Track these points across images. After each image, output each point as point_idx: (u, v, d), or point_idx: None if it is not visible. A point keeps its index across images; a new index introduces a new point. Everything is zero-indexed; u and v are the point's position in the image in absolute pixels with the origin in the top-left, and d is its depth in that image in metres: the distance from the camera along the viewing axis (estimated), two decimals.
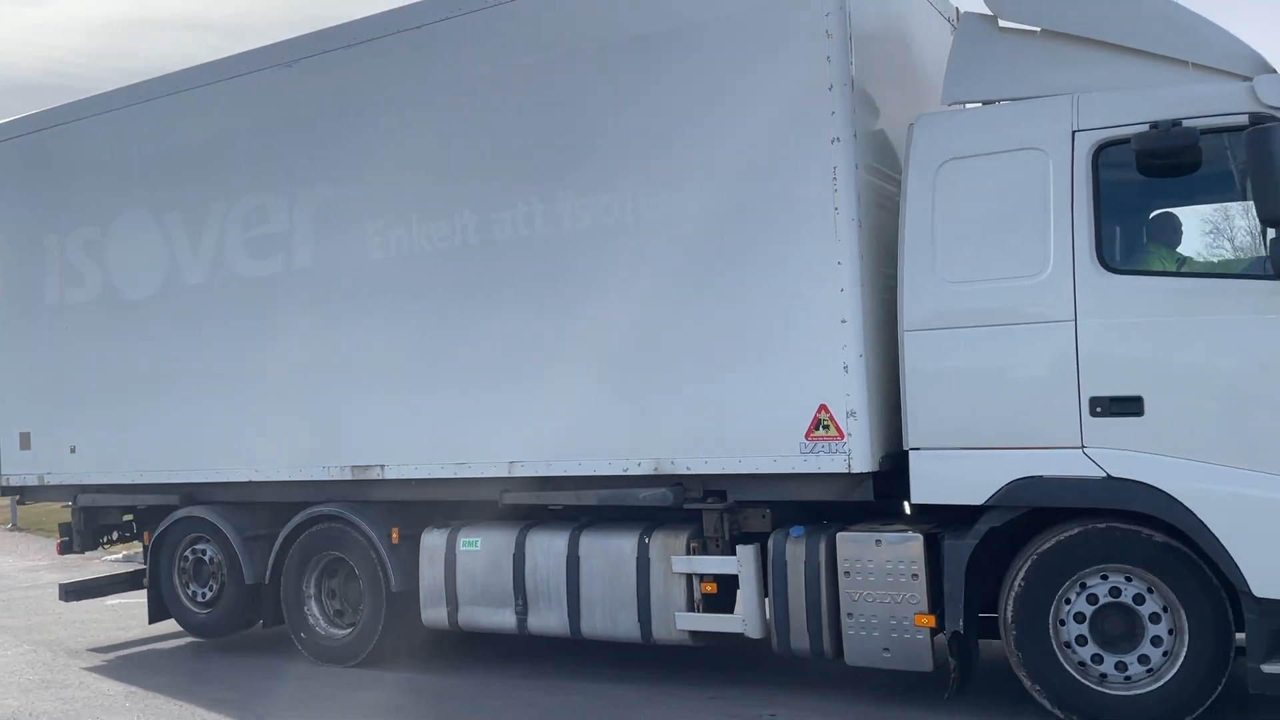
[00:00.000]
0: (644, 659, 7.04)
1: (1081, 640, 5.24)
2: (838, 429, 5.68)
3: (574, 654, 7.25)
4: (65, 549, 9.33)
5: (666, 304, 6.24)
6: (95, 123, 8.70)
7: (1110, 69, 5.39)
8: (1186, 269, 5.27)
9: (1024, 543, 5.39)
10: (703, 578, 6.22)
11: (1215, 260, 5.10)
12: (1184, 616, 5.06)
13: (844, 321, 5.67)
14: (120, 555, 12.87)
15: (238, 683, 7.34)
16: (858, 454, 5.64)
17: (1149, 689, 5.12)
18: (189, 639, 8.59)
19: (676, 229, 6.21)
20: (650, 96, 6.30)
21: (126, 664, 8.10)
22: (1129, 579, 5.17)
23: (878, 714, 5.88)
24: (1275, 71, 5.26)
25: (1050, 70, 5.52)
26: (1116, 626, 5.18)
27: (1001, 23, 5.68)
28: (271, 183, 7.73)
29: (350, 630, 7.57)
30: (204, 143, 8.10)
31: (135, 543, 9.80)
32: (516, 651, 7.55)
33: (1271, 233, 4.84)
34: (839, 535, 5.78)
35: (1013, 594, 5.32)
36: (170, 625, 8.67)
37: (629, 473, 6.33)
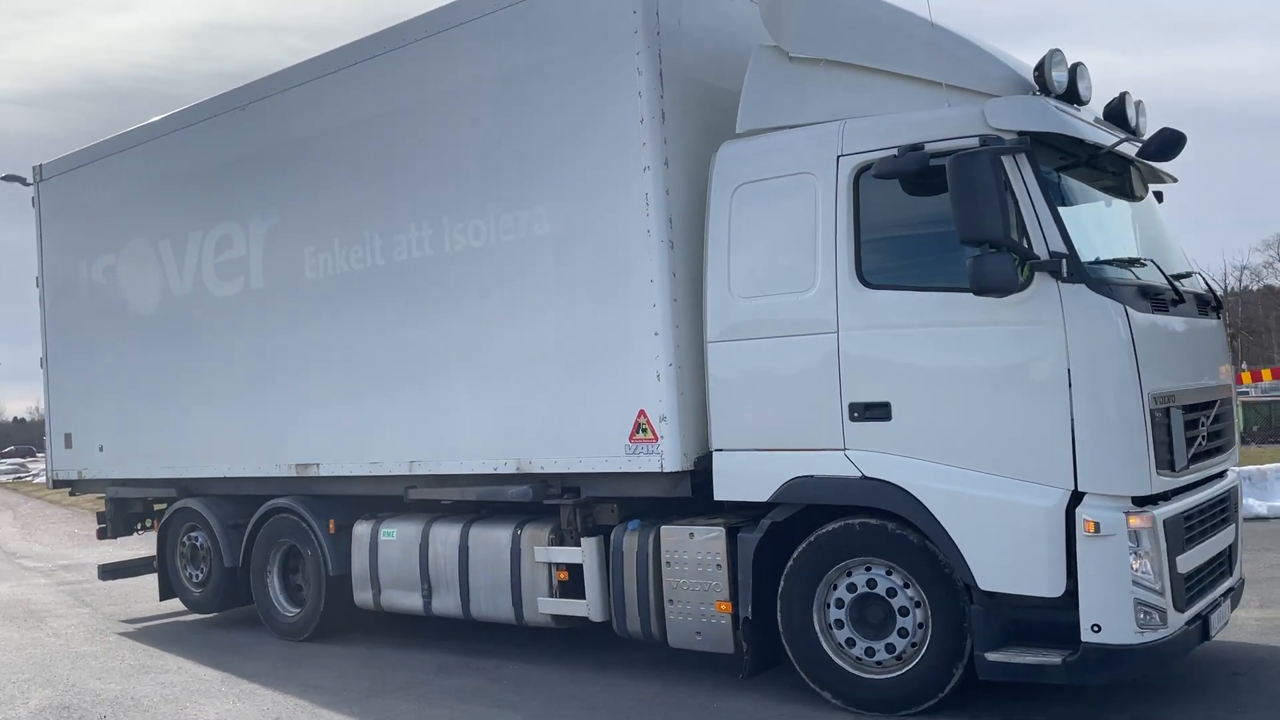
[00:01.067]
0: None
1: (839, 624, 5.69)
2: (653, 432, 6.24)
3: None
4: (102, 535, 10.73)
5: (521, 319, 6.93)
6: (108, 162, 10.11)
7: (882, 95, 5.72)
8: (926, 285, 5.55)
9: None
10: (558, 566, 6.88)
11: (950, 277, 5.35)
12: (928, 608, 5.44)
13: (656, 334, 6.20)
14: None
15: (327, 667, 7.60)
16: (669, 455, 6.19)
17: (895, 674, 5.54)
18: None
19: (529, 251, 6.89)
20: (507, 132, 7.00)
21: (222, 651, 8.36)
22: (889, 572, 5.56)
23: None
24: (1029, 91, 5.49)
25: (829, 98, 5.89)
26: (873, 615, 5.61)
27: (790, 53, 6.07)
28: (234, 212, 8.82)
29: (300, 610, 8.57)
30: (186, 178, 9.31)
31: None
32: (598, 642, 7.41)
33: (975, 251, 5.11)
34: (662, 529, 6.32)
35: (785, 581, 5.81)
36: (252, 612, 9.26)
37: (498, 471, 7.05)
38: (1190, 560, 5.39)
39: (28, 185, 11.74)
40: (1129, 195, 6.27)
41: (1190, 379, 5.66)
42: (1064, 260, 5.08)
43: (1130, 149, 5.73)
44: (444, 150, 7.38)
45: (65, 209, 10.70)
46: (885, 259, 5.59)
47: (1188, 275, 6.30)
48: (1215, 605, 5.67)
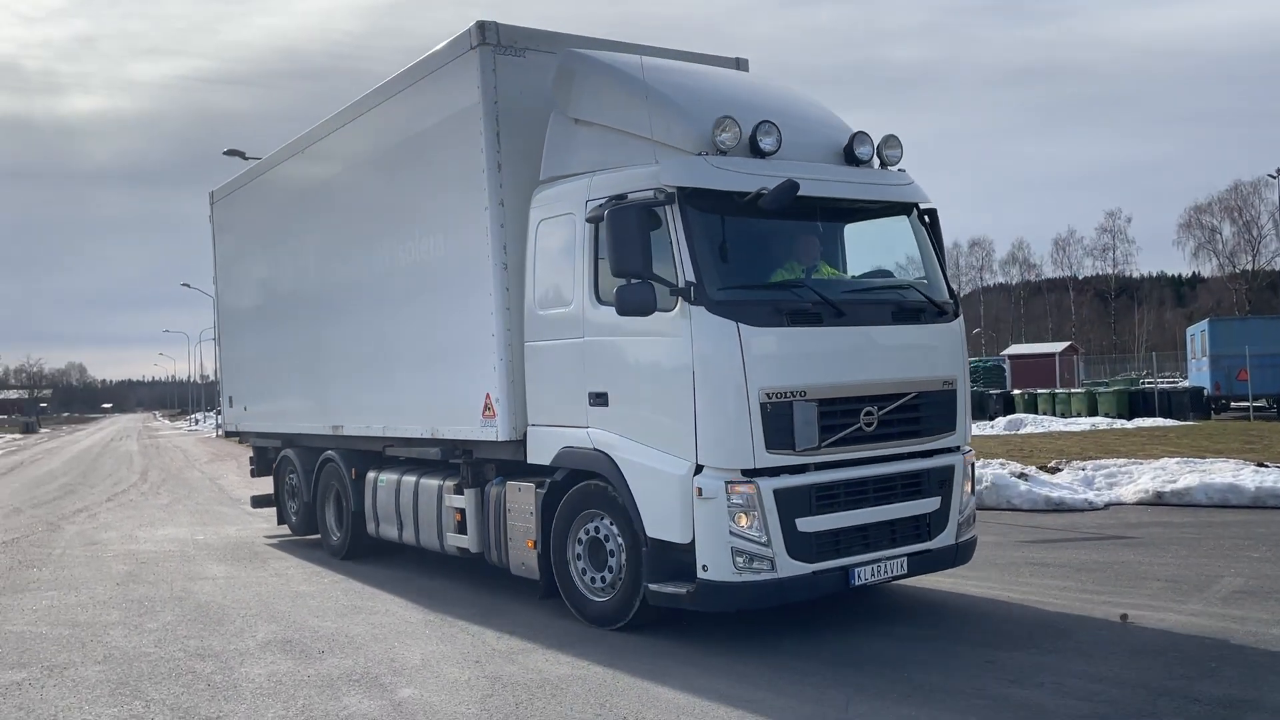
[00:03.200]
0: (917, 611, 7.61)
1: (579, 558, 7.58)
2: (493, 410, 8.25)
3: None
4: (254, 474, 14.17)
5: (427, 323, 9.27)
6: (243, 190, 13.83)
7: (628, 150, 7.20)
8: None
9: None
10: (455, 509, 9.02)
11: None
12: (624, 550, 7.17)
13: (492, 335, 8.18)
14: None
15: (516, 616, 7.95)
16: (502, 428, 8.17)
17: (607, 598, 7.42)
18: (506, 580, 8.65)
19: (427, 271, 9.17)
20: (410, 183, 9.42)
21: (425, 596, 8.92)
22: (609, 522, 7.33)
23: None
24: (711, 149, 6.91)
25: (595, 153, 7.50)
26: (598, 553, 7.46)
27: (571, 117, 7.76)
28: (301, 230, 11.88)
29: (340, 535, 11.32)
30: (280, 203, 12.59)
31: None
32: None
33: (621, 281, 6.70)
34: (507, 484, 8.33)
35: (554, 525, 7.72)
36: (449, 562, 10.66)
37: (422, 436, 9.35)
38: (821, 523, 6.73)
39: (246, 160, 16.27)
40: (846, 219, 7.68)
41: (836, 377, 6.85)
42: (692, 288, 6.56)
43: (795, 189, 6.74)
44: (374, 196, 10.13)
45: (224, 225, 14.56)
46: (609, 280, 7.13)
47: (904, 287, 7.61)
48: (880, 560, 6.98)
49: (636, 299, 6.59)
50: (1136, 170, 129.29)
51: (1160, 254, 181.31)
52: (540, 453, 7.89)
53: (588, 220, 7.17)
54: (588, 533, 7.49)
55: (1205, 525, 11.20)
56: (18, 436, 76.10)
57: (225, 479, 23.36)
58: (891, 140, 7.71)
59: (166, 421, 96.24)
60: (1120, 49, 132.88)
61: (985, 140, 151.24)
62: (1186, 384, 34.79)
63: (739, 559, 6.47)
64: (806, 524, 6.66)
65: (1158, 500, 12.83)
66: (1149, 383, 38.75)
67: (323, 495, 11.69)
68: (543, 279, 7.80)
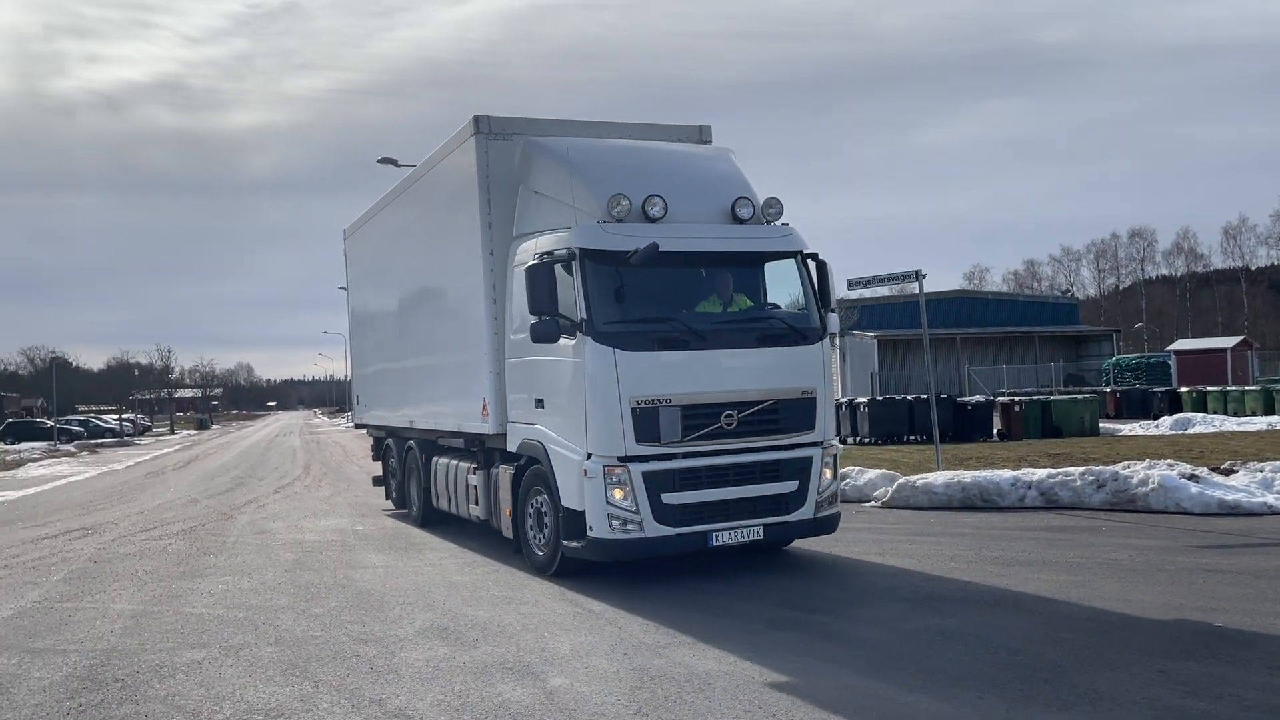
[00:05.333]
0: (1077, 616, 7.29)
1: (531, 522, 9.92)
2: (487, 411, 10.57)
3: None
4: (373, 459, 16.91)
5: (456, 344, 11.63)
6: (363, 228, 16.40)
7: (566, 216, 9.27)
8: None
9: None
10: (473, 486, 11.39)
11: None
12: (553, 516, 9.35)
13: (485, 355, 10.54)
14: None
15: (658, 608, 8.07)
16: (492, 424, 10.49)
17: (544, 553, 9.73)
18: (648, 575, 9.35)
19: (452, 305, 11.73)
20: (441, 235, 11.97)
21: (574, 587, 9.07)
22: (548, 496, 9.41)
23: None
24: (611, 219, 8.90)
25: (548, 217, 9.60)
26: (541, 518, 9.73)
27: (532, 189, 9.98)
28: (394, 263, 14.53)
29: (417, 507, 14.10)
30: (379, 244, 15.39)
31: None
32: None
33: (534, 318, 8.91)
34: (500, 467, 10.65)
35: (519, 499, 10.06)
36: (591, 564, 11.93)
37: (453, 430, 11.98)
38: (684, 498, 8.74)
39: (399, 167, 21.09)
40: (729, 265, 9.43)
41: (697, 388, 8.79)
42: (584, 323, 8.73)
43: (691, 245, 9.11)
44: (423, 244, 12.79)
45: (351, 257, 17.47)
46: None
47: (770, 318, 9.51)
48: (739, 528, 8.90)
49: (544, 331, 8.82)
50: None
51: None
52: (513, 443, 10.14)
53: (525, 271, 9.11)
54: (534, 505, 9.81)
55: None
56: (193, 432, 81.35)
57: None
58: (772, 201, 9.58)
59: (325, 418, 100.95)
60: None
61: (1143, 124, 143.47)
62: None
63: (614, 522, 8.62)
64: (671, 498, 8.71)
65: None
66: None
67: (407, 475, 14.66)
68: (514, 312, 10.04)
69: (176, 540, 13.57)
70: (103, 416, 78.75)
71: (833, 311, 9.73)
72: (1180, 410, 31.17)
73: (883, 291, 51.15)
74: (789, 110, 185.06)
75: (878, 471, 15.43)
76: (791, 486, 9.13)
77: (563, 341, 8.85)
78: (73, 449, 50.17)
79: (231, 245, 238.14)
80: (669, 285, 9.18)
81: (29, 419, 74.30)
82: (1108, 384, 45.95)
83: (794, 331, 9.36)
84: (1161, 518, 11.90)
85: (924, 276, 16.01)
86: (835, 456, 9.56)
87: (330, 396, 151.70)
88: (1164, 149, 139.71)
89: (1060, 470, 13.66)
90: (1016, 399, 26.89)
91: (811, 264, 9.63)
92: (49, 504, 20.78)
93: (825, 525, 9.51)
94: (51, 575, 11.10)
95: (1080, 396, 28.13)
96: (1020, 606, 7.71)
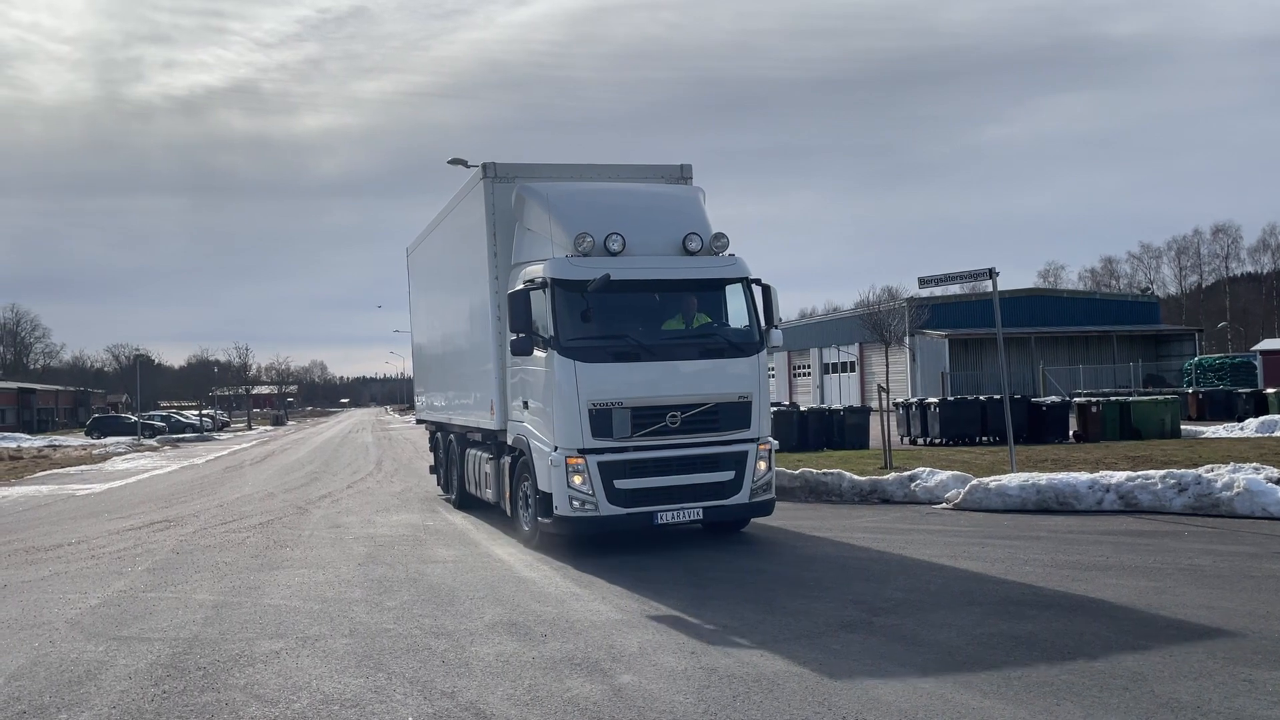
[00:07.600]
0: (1157, 622, 7.08)
1: (521, 500, 11.90)
2: (493, 410, 12.65)
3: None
4: (430, 449, 18.32)
5: (470, 351, 13.99)
6: (421, 245, 18.10)
7: (542, 249, 11.21)
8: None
9: None
10: (488, 473, 13.42)
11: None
12: (533, 496, 11.27)
13: (491, 363, 12.61)
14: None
15: (722, 605, 8.42)
16: (497, 421, 12.60)
17: (529, 528, 11.60)
18: (714, 574, 9.37)
19: (471, 319, 13.69)
20: (467, 254, 13.73)
21: (640, 585, 9.02)
22: (531, 481, 11.29)
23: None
24: (577, 253, 10.76)
25: (536, 249, 11.40)
26: (528, 497, 11.61)
27: (524, 225, 12.01)
28: (433, 281, 17.02)
29: (455, 493, 16.13)
30: (428, 262, 17.42)
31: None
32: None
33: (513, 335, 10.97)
34: (502, 457, 12.66)
35: (514, 482, 12.13)
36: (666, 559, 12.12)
37: (475, 425, 14.08)
38: (634, 484, 10.46)
39: (469, 167, 22.78)
40: (682, 291, 11.10)
41: (644, 393, 10.52)
42: (553, 339, 10.56)
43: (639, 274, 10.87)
44: (454, 267, 14.85)
45: (411, 271, 19.55)
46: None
47: (712, 335, 11.04)
48: (680, 509, 10.58)
49: (520, 346, 10.87)
50: None
51: None
52: (510, 437, 12.16)
53: (509, 296, 11.10)
54: (523, 489, 11.77)
55: None
56: (269, 428, 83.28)
57: None
58: (719, 235, 11.30)
59: (396, 415, 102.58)
60: None
61: (1223, 117, 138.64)
62: None
63: (574, 502, 10.47)
64: (623, 484, 10.48)
65: None
66: None
67: (450, 464, 16.67)
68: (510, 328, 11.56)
69: (254, 533, 13.92)
70: (183, 412, 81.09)
71: (776, 328, 11.29)
72: (1266, 412, 30.12)
73: (954, 290, 50.42)
74: (850, 107, 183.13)
75: (949, 473, 15.18)
76: (729, 476, 10.82)
77: (537, 354, 10.77)
78: (155, 444, 51.79)
79: (303, 246, 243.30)
80: (627, 308, 10.89)
81: (114, 414, 76.94)
82: (1189, 385, 44.64)
83: (732, 346, 11.02)
84: (1246, 523, 11.53)
85: (997, 274, 15.74)
86: (770, 451, 11.20)
87: (401, 394, 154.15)
88: (1246, 143, 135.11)
89: (1140, 473, 13.31)
90: (1094, 400, 26.25)
91: (757, 288, 11.21)
92: (133, 496, 21.49)
93: (760, 509, 11.21)
94: (136, 566, 11.46)
95: (1161, 398, 27.34)
96: (1098, 612, 7.54)
